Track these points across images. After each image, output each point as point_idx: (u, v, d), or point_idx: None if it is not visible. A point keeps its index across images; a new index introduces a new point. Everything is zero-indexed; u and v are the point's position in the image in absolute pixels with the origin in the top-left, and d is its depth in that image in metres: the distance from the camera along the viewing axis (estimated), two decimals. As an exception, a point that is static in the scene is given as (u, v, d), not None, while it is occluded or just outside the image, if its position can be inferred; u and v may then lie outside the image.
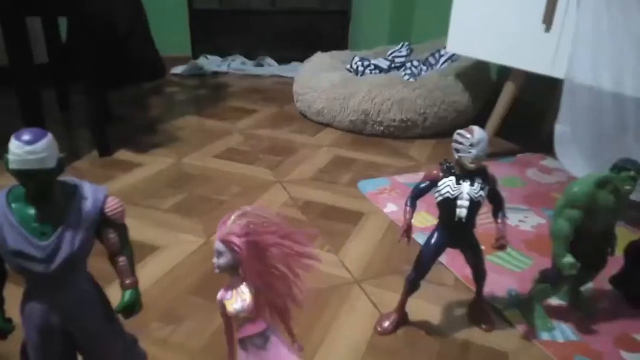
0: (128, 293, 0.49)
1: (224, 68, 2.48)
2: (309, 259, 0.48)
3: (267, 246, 0.46)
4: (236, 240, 0.44)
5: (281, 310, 0.50)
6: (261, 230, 0.45)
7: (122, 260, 0.49)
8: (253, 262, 0.45)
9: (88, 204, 0.46)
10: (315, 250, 0.48)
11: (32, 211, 0.44)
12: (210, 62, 2.51)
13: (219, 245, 0.45)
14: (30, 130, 0.42)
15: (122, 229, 0.49)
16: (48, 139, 0.42)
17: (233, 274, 0.47)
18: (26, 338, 0.48)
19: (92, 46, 1.33)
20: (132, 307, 0.49)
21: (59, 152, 0.44)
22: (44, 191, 0.44)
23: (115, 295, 0.50)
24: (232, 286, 0.48)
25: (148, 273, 0.86)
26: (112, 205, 0.47)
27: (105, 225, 0.48)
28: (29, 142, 0.41)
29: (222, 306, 0.48)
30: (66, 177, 0.47)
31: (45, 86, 1.65)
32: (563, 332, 0.74)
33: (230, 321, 0.49)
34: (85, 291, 0.48)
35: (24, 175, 0.42)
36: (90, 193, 0.46)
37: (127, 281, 0.49)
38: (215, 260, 0.45)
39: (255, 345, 0.49)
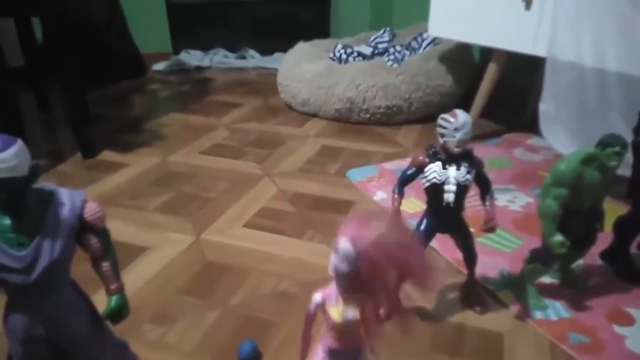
0: (114, 298, 0.48)
1: (206, 62, 2.44)
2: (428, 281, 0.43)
3: (396, 265, 0.40)
4: (376, 255, 0.39)
5: (373, 326, 0.45)
6: (393, 247, 0.39)
7: (105, 265, 0.48)
8: (380, 278, 0.40)
9: (66, 211, 0.44)
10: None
11: (7, 221, 0.42)
12: (192, 57, 2.47)
13: (350, 252, 0.39)
14: (-2, 137, 0.40)
15: (103, 234, 0.48)
16: (18, 146, 0.41)
17: (344, 281, 0.42)
18: (11, 350, 0.47)
19: (67, 45, 1.30)
20: (119, 312, 0.48)
21: (31, 158, 0.42)
22: (17, 200, 0.42)
23: (103, 300, 0.49)
24: (338, 292, 0.43)
25: (138, 274, 0.85)
26: (91, 210, 0.46)
27: (86, 231, 0.46)
28: (-4, 151, 0.40)
29: (320, 307, 0.44)
30: (42, 184, 0.46)
31: (24, 89, 1.62)
32: (556, 310, 0.75)
33: (312, 323, 0.45)
34: (70, 299, 0.47)
35: (-6, 185, 0.41)
36: (68, 199, 0.45)
37: (113, 286, 0.48)
38: (337, 263, 0.41)
39: None
